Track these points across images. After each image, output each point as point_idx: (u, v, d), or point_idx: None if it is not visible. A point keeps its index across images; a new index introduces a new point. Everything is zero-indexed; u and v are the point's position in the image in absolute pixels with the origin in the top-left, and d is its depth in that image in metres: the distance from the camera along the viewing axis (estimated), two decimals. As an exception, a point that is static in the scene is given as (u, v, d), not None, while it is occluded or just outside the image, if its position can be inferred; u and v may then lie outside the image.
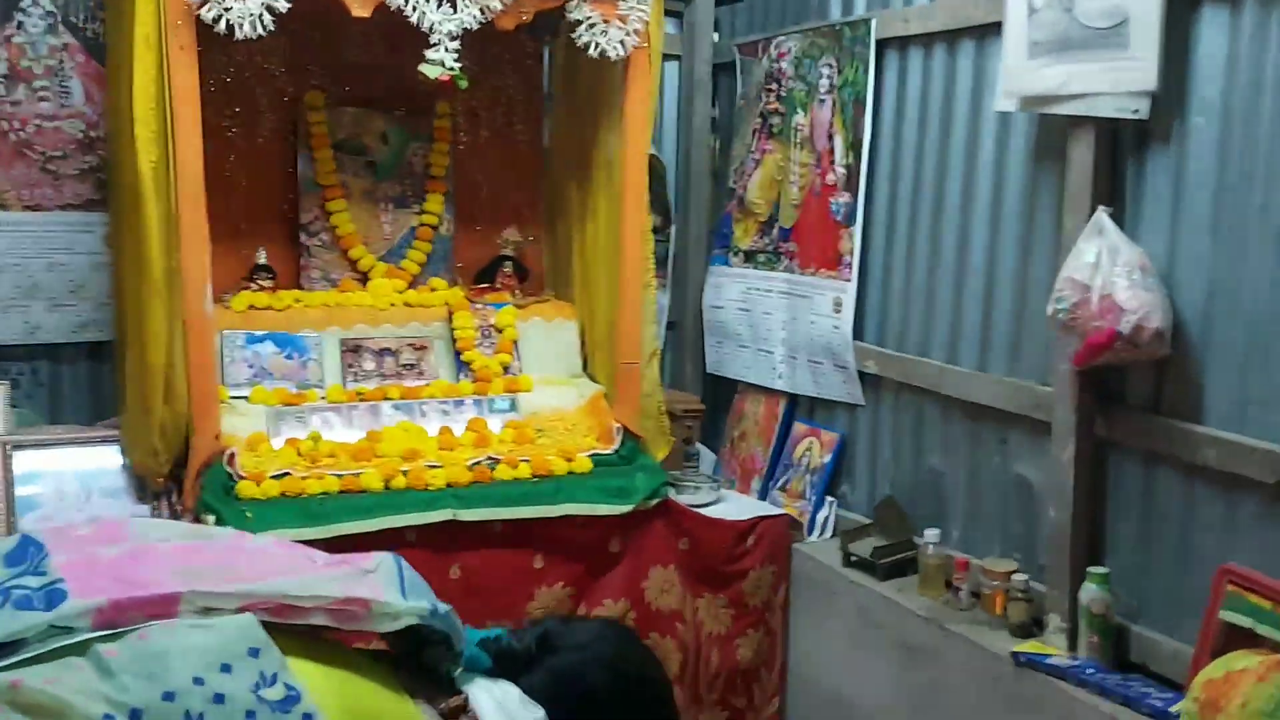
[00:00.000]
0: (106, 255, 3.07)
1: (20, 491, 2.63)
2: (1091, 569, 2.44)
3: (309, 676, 1.26)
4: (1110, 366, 2.40)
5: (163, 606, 1.23)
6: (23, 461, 2.67)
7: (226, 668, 1.19)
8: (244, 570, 1.34)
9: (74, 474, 2.73)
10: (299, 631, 1.33)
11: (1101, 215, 2.36)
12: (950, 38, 2.90)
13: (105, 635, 1.18)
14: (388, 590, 1.39)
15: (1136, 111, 2.32)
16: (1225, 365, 2.26)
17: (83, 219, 3.09)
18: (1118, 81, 2.33)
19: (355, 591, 1.35)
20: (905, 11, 3.04)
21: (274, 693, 1.20)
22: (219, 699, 1.16)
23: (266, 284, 3.11)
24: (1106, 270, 2.31)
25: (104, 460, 2.77)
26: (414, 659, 1.48)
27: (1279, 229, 2.14)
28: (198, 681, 1.16)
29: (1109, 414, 2.49)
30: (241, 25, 2.44)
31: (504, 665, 1.53)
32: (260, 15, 2.45)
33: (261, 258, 3.13)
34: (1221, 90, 2.23)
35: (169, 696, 1.14)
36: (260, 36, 2.49)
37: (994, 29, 2.68)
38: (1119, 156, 2.44)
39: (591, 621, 1.73)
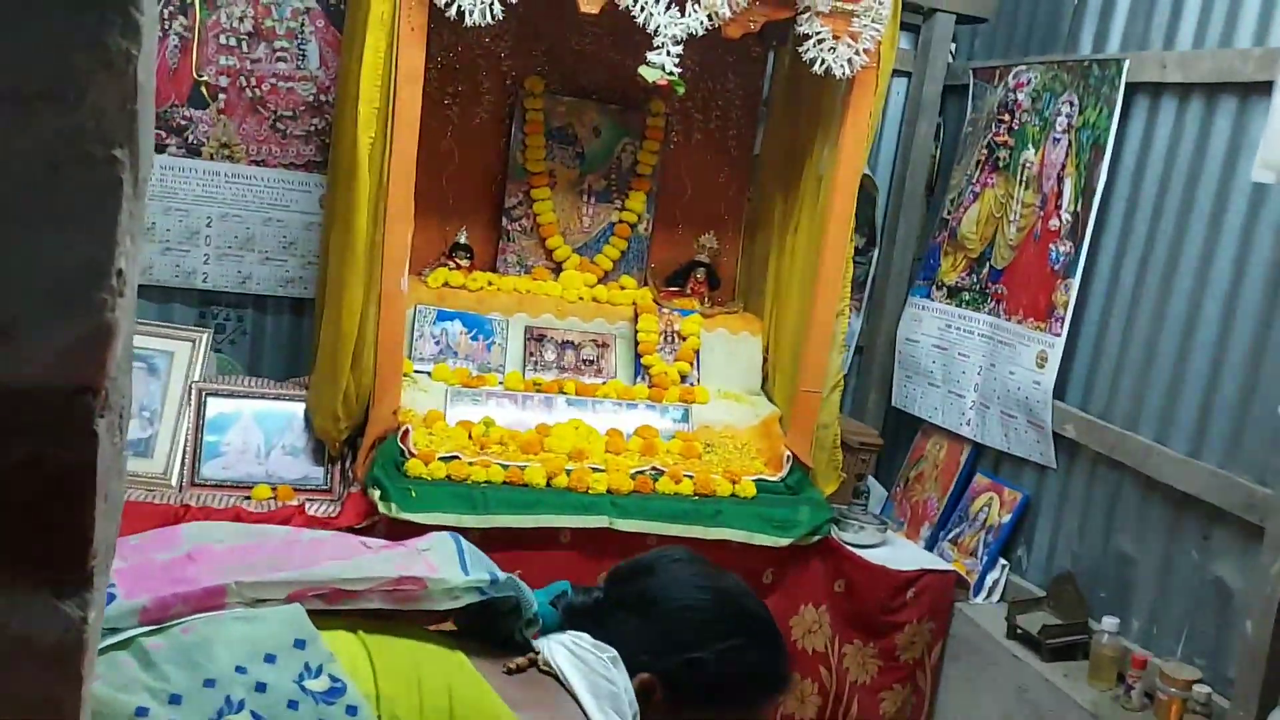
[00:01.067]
0: (320, 216, 3.18)
1: (207, 438, 2.74)
2: (1288, 699, 2.21)
3: (356, 661, 1.22)
4: (1344, 482, 2.16)
5: (209, 599, 1.21)
6: (213, 408, 2.78)
7: (270, 658, 1.16)
8: (297, 560, 1.30)
9: (260, 427, 2.81)
10: (360, 616, 1.29)
11: (1360, 314, 2.12)
12: (1210, 91, 2.66)
13: (151, 630, 1.17)
14: (445, 566, 1.32)
15: None
16: None
17: (302, 178, 3.20)
18: (1402, 168, 2.08)
19: (411, 570, 1.30)
20: (1164, 55, 2.80)
21: (318, 684, 1.16)
22: (261, 688, 1.13)
23: (464, 263, 3.15)
24: (1357, 376, 2.07)
25: (290, 417, 2.85)
26: (487, 633, 1.41)
27: None
28: (240, 670, 1.14)
29: (1334, 532, 2.24)
30: (472, 12, 2.45)
31: (574, 618, 1.43)
32: (491, 4, 2.45)
33: (462, 237, 3.17)
34: None
35: (209, 684, 1.12)
36: (489, 24, 2.50)
37: (1262, 89, 2.43)
38: (1390, 251, 2.18)
39: (651, 552, 1.57)
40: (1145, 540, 2.75)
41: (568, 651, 1.36)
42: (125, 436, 0.73)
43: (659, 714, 1.38)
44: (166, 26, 3.00)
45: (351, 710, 1.15)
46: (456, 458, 2.71)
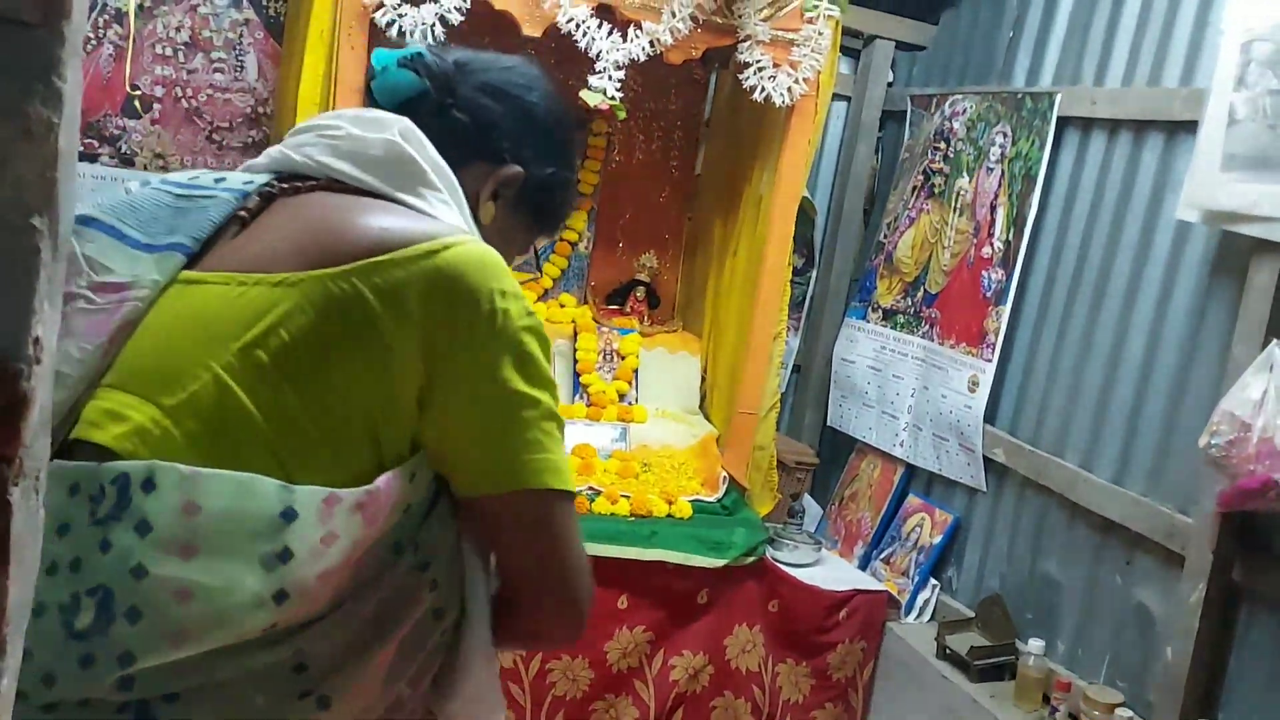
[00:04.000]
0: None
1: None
2: (1204, 723, 2.27)
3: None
4: (1259, 512, 2.22)
5: None
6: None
7: (63, 529, 0.94)
8: None
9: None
10: None
11: (1275, 350, 2.18)
12: (1138, 128, 2.73)
13: None
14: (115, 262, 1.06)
15: (1333, 246, 2.13)
16: (1390, 536, 2.07)
17: (240, 190, 3.15)
18: (1317, 210, 2.15)
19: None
20: (1094, 91, 2.86)
21: (107, 504, 0.94)
22: (75, 567, 0.93)
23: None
24: (1272, 411, 2.14)
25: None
26: None
27: None
28: (48, 574, 0.92)
29: (1249, 561, 2.30)
30: (413, 33, 2.44)
31: (437, 85, 1.20)
32: (433, 26, 2.44)
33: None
34: None
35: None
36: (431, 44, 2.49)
37: (1188, 127, 2.50)
38: (1305, 290, 2.25)
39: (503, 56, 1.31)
40: (1070, 564, 2.81)
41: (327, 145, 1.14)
42: (40, 497, 0.72)
43: (500, 211, 1.23)
44: (100, 35, 2.95)
45: (148, 485, 0.93)
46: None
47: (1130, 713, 2.48)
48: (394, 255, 1.00)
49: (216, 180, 1.13)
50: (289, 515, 0.95)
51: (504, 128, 1.21)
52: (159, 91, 3.06)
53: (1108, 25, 2.87)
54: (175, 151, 3.09)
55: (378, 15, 2.45)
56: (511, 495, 1.06)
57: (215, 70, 3.10)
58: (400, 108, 1.17)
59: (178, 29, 3.04)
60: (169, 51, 3.05)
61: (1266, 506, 2.15)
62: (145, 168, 3.07)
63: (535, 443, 1.06)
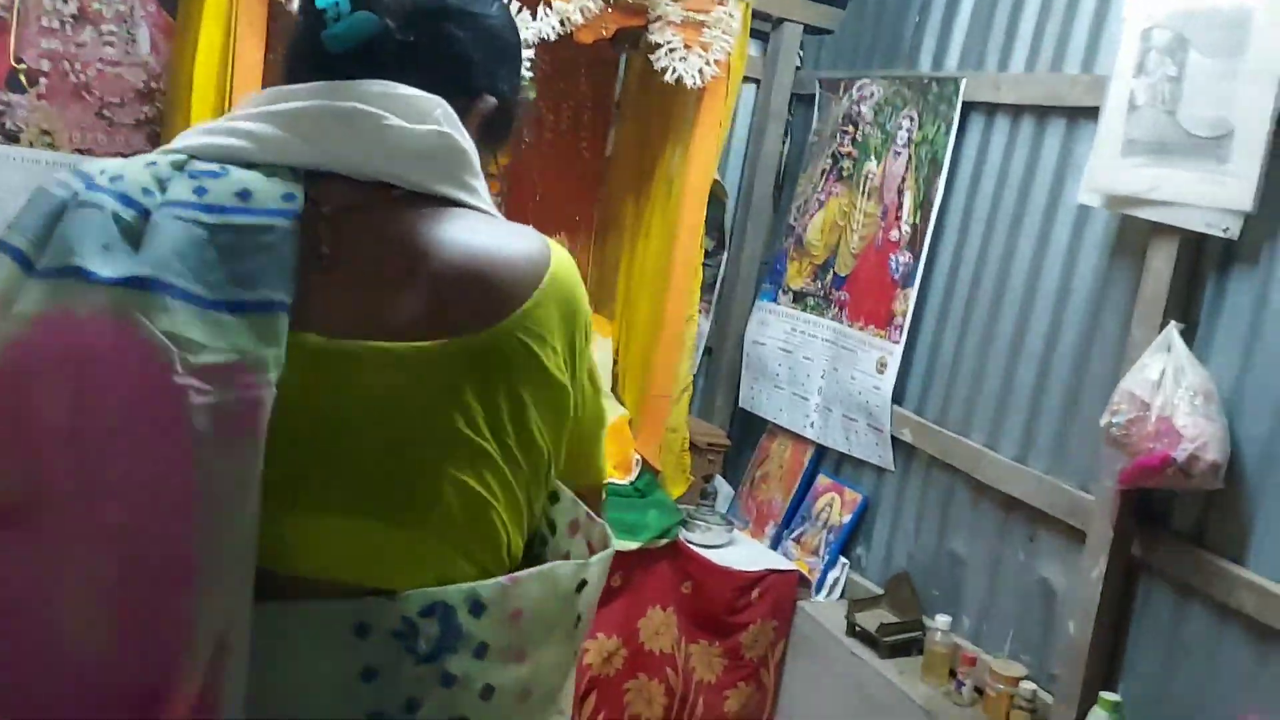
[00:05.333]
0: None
1: None
2: (1104, 694, 2.33)
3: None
4: (1157, 489, 2.29)
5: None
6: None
7: (367, 675, 0.89)
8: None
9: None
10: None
11: (1172, 331, 2.25)
12: (1041, 113, 2.78)
13: None
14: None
15: (1226, 230, 2.20)
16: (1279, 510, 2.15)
17: (133, 170, 3.03)
18: (1212, 195, 2.21)
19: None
20: (998, 77, 2.91)
21: (426, 639, 0.90)
22: (412, 708, 0.90)
23: (305, 263, 3.04)
24: (1169, 390, 2.20)
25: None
26: None
27: (1359, 381, 2.03)
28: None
29: (1148, 537, 2.38)
30: (314, 8, 2.36)
31: (395, 19, 1.05)
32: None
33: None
34: (1321, 223, 2.11)
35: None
36: (333, 19, 2.41)
37: (1089, 113, 2.56)
38: (1200, 272, 2.32)
39: None
40: (976, 541, 2.87)
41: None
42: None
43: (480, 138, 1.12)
44: (-20, 5, 2.80)
45: (475, 607, 0.91)
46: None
47: (1034, 686, 2.55)
48: (536, 298, 0.98)
49: (240, 195, 0.93)
50: (581, 586, 1.01)
51: (474, 57, 1.10)
52: (45, 65, 2.91)
53: (1011, 11, 2.91)
54: (63, 128, 2.96)
55: (278, -11, 2.38)
56: (592, 489, 1.17)
57: (105, 44, 2.96)
58: (356, 52, 1.03)
59: (65, 1, 2.90)
60: (55, 24, 2.90)
61: (1164, 483, 2.22)
62: (31, 144, 2.94)
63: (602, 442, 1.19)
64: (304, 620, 0.88)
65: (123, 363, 0.81)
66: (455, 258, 0.96)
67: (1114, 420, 2.27)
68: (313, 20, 1.06)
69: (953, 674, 2.74)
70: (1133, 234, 2.45)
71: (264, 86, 1.12)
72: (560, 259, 1.04)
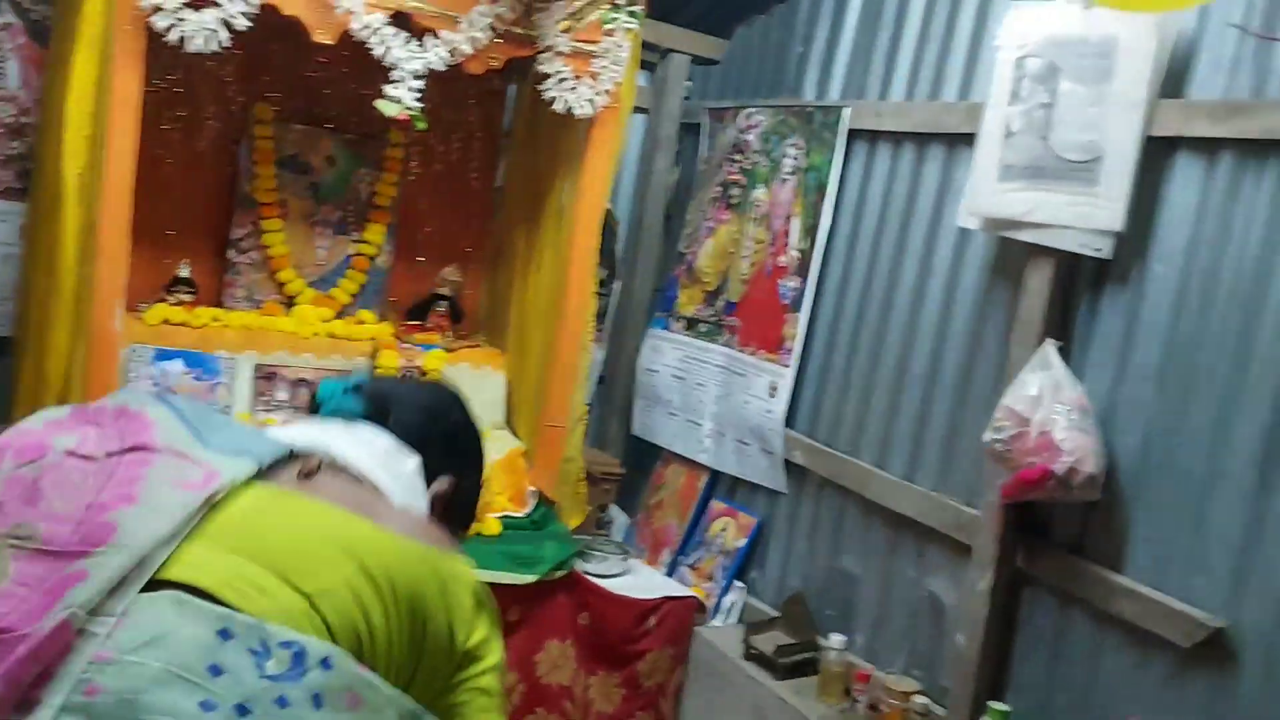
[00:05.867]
0: (19, 248, 2.90)
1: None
2: (993, 704, 2.39)
3: (273, 598, 1.06)
4: (1038, 502, 2.36)
5: (56, 645, 0.97)
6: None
7: (215, 669, 0.98)
8: (86, 528, 1.05)
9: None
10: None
11: (1049, 349, 2.33)
12: (921, 140, 2.86)
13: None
14: (215, 459, 1.15)
15: (1099, 250, 2.29)
16: (1153, 519, 2.23)
17: (1, 207, 2.91)
18: (1084, 217, 2.30)
19: (206, 486, 1.12)
20: (879, 105, 2.99)
21: (278, 663, 1.00)
22: (242, 711, 0.97)
23: (186, 298, 2.96)
24: (1048, 406, 2.28)
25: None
26: None
27: (1224, 392, 2.12)
28: (207, 708, 0.96)
29: (1031, 548, 2.45)
30: (194, 39, 2.31)
31: (376, 406, 1.39)
32: (215, 31, 2.32)
33: (184, 270, 2.98)
34: (1186, 242, 2.21)
35: None
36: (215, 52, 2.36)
37: (967, 139, 2.64)
38: (1075, 292, 2.41)
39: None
40: (867, 559, 2.92)
41: (366, 453, 1.31)
42: None
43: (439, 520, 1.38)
44: None
45: (326, 664, 1.02)
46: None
47: (926, 699, 2.59)
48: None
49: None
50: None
51: (436, 444, 1.38)
52: (-94, 97, 2.79)
53: (890, 42, 3.00)
54: (-74, 162, 2.83)
55: (156, 19, 2.31)
56: None
57: (-29, 75, 2.85)
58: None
59: (-74, 30, 2.78)
60: (-84, 53, 2.78)
61: (1045, 496, 2.29)
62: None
63: None
64: (180, 601, 1.02)
65: None
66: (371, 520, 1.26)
67: (996, 436, 2.33)
68: (317, 395, 1.46)
69: (848, 692, 2.77)
70: (1011, 256, 2.54)
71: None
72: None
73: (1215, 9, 2.17)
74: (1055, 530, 2.43)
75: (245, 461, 1.16)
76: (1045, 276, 2.40)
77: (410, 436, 1.36)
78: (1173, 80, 2.24)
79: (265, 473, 1.18)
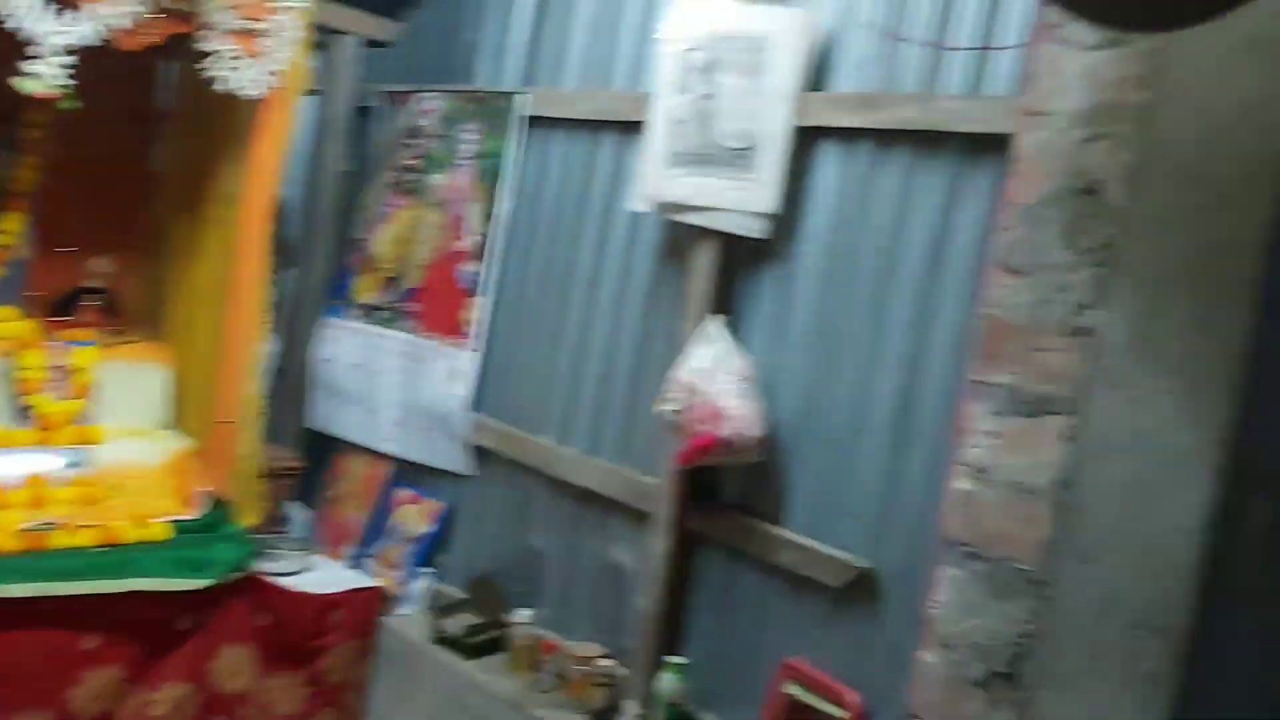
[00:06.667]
0: None
1: None
2: (670, 658, 2.53)
3: None
4: (709, 466, 2.52)
5: None
6: None
7: None
8: None
9: None
10: None
11: (714, 323, 2.50)
12: (595, 127, 2.96)
13: None
14: None
15: (755, 231, 2.48)
16: (807, 475, 2.45)
17: None
18: (742, 200, 2.48)
19: None
20: (551, 93, 3.07)
21: None
22: None
23: None
24: (715, 377, 2.44)
25: None
26: None
27: (863, 358, 2.36)
28: None
29: (704, 510, 2.61)
30: None
31: None
32: None
33: None
34: (831, 221, 2.43)
35: None
36: None
37: (639, 127, 2.74)
38: (737, 270, 2.59)
39: None
40: (554, 535, 3.00)
41: None
42: None
43: None
44: None
45: None
46: None
47: (610, 661, 2.70)
48: None
49: None
50: None
51: None
52: None
53: (560, 31, 3.09)
54: None
55: None
56: None
57: None
58: None
59: None
60: None
61: (715, 460, 2.46)
62: None
63: None
64: None
65: None
66: None
67: (669, 407, 2.47)
68: None
69: (537, 665, 2.83)
70: (679, 237, 2.69)
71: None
72: None
73: (853, 9, 2.41)
74: (725, 491, 2.60)
75: None
76: (710, 256, 2.57)
77: None
78: (818, 75, 2.46)
79: None
